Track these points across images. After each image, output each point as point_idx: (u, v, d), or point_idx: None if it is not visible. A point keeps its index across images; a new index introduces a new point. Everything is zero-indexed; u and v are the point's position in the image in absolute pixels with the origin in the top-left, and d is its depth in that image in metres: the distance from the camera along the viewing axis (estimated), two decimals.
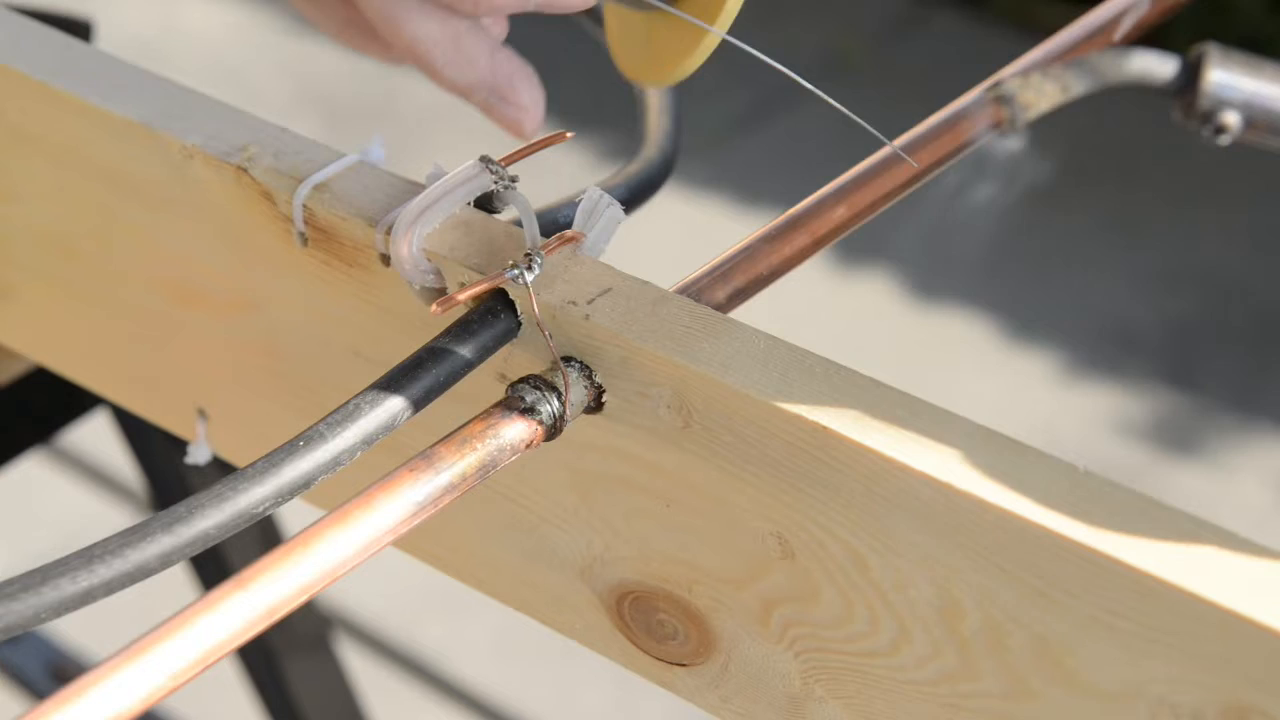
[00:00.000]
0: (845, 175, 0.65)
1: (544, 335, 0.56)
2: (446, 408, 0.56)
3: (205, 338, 0.70)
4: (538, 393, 0.55)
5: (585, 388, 0.56)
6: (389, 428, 0.54)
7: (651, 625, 0.61)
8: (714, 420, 0.54)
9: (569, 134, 0.63)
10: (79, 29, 0.87)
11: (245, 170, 0.62)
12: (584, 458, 0.59)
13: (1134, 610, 0.48)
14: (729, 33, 0.62)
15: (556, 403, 0.55)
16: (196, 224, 0.66)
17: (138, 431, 1.04)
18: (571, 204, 0.63)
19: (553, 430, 0.55)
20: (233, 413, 0.72)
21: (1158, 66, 0.54)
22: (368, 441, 0.53)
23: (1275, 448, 2.26)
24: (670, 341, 0.55)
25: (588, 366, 0.56)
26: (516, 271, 0.56)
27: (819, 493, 0.53)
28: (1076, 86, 0.56)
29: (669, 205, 2.53)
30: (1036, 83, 0.55)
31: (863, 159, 0.66)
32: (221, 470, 0.84)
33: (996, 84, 0.57)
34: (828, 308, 2.47)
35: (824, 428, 0.52)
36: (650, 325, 0.55)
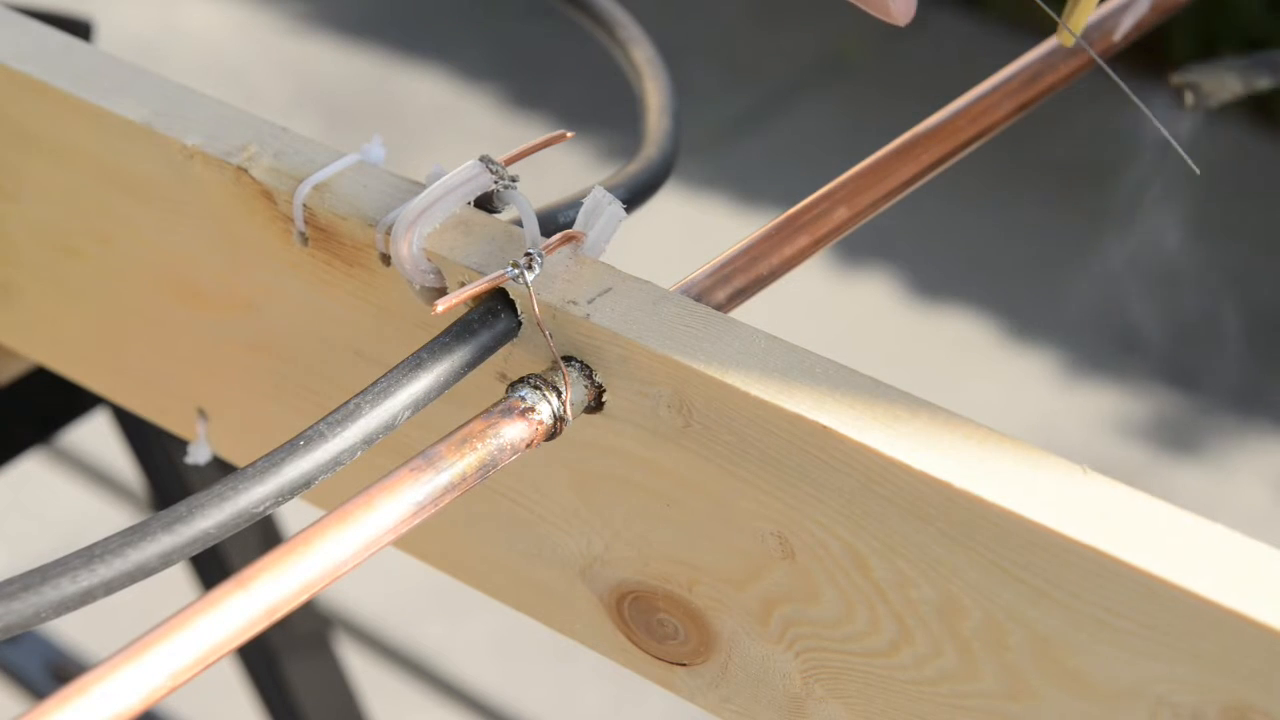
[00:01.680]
0: (845, 175, 0.65)
1: (544, 335, 0.56)
2: (446, 408, 0.56)
3: (205, 337, 0.70)
4: (538, 392, 0.55)
5: (585, 387, 0.56)
6: (389, 428, 0.54)
7: (651, 625, 0.61)
8: (714, 420, 0.55)
9: (569, 134, 0.63)
10: (79, 29, 0.87)
11: (245, 170, 0.62)
12: (584, 457, 0.59)
13: (1134, 610, 0.48)
14: None
15: (556, 402, 0.55)
16: (197, 224, 0.66)
17: (138, 431, 1.04)
18: (572, 204, 0.63)
19: (553, 430, 0.55)
20: (233, 413, 0.72)
21: None
22: (368, 441, 0.53)
23: (1275, 448, 2.26)
24: (670, 341, 0.55)
25: (588, 366, 0.56)
26: (517, 271, 0.56)
27: (819, 492, 0.53)
28: (1260, 82, 0.58)
29: (669, 205, 2.53)
30: (1220, 75, 0.57)
31: (863, 159, 0.66)
32: (221, 470, 0.84)
33: (1184, 68, 0.59)
34: (828, 308, 2.47)
35: (824, 427, 0.52)
36: (650, 325, 0.55)
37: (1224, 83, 0.57)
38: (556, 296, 0.56)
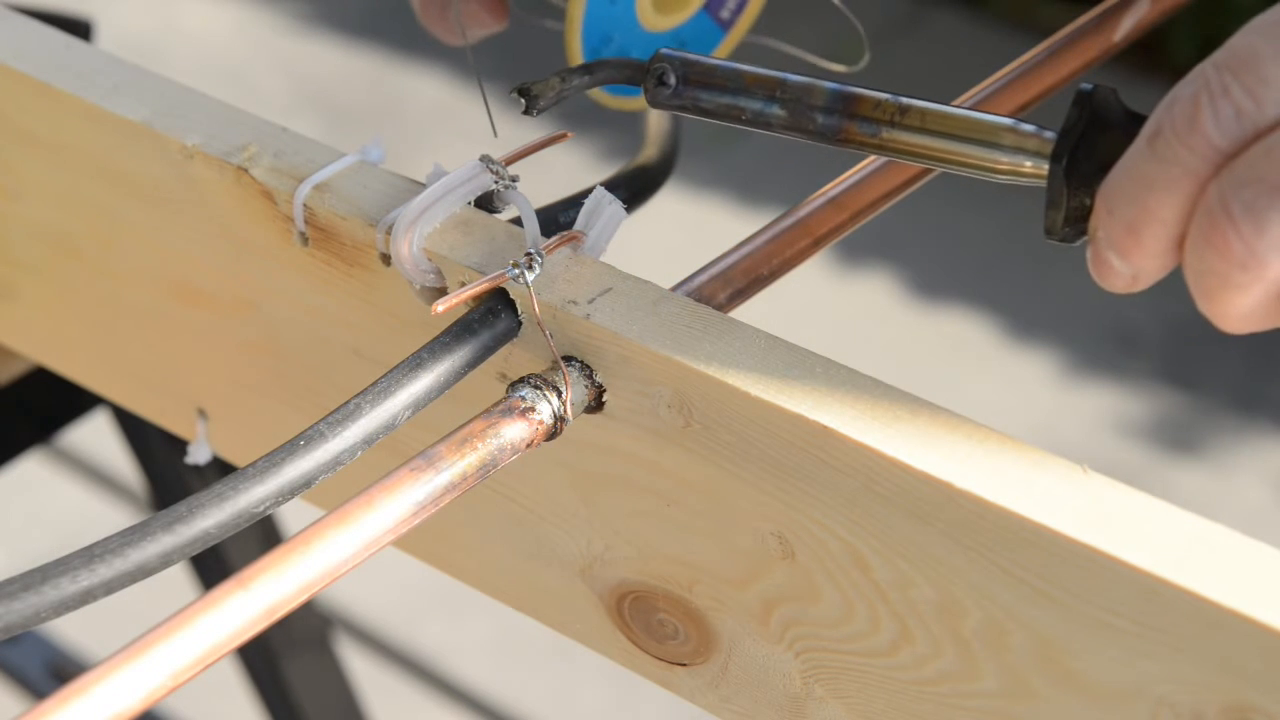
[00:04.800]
0: (846, 175, 0.65)
1: (544, 335, 0.56)
2: (446, 408, 0.56)
3: (205, 337, 0.70)
4: (538, 392, 0.55)
5: (585, 387, 0.56)
6: (389, 427, 0.54)
7: (652, 625, 0.61)
8: (714, 419, 0.54)
9: (569, 134, 0.63)
10: (79, 29, 0.86)
11: (245, 170, 0.62)
12: (584, 457, 0.59)
13: (1134, 610, 0.48)
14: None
15: (557, 402, 0.55)
16: (197, 224, 0.66)
17: (138, 431, 1.04)
18: (572, 203, 0.63)
19: (553, 430, 0.55)
20: (233, 413, 0.72)
21: None
22: (368, 441, 0.53)
23: (1275, 448, 2.26)
24: (670, 341, 0.55)
25: (588, 366, 0.56)
26: (517, 271, 0.56)
27: (819, 492, 0.53)
28: (575, 82, 0.63)
29: (669, 205, 2.53)
30: (548, 80, 0.62)
31: (863, 158, 0.66)
32: (221, 470, 0.84)
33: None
34: (828, 308, 2.47)
35: (824, 427, 0.52)
36: (650, 325, 0.55)
37: (550, 85, 0.61)
38: (556, 296, 0.56)
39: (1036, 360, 2.39)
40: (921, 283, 2.51)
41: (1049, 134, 0.54)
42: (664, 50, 0.60)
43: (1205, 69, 0.49)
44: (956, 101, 0.69)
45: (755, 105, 0.59)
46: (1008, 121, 0.55)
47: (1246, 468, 2.23)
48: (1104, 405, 2.32)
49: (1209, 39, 2.69)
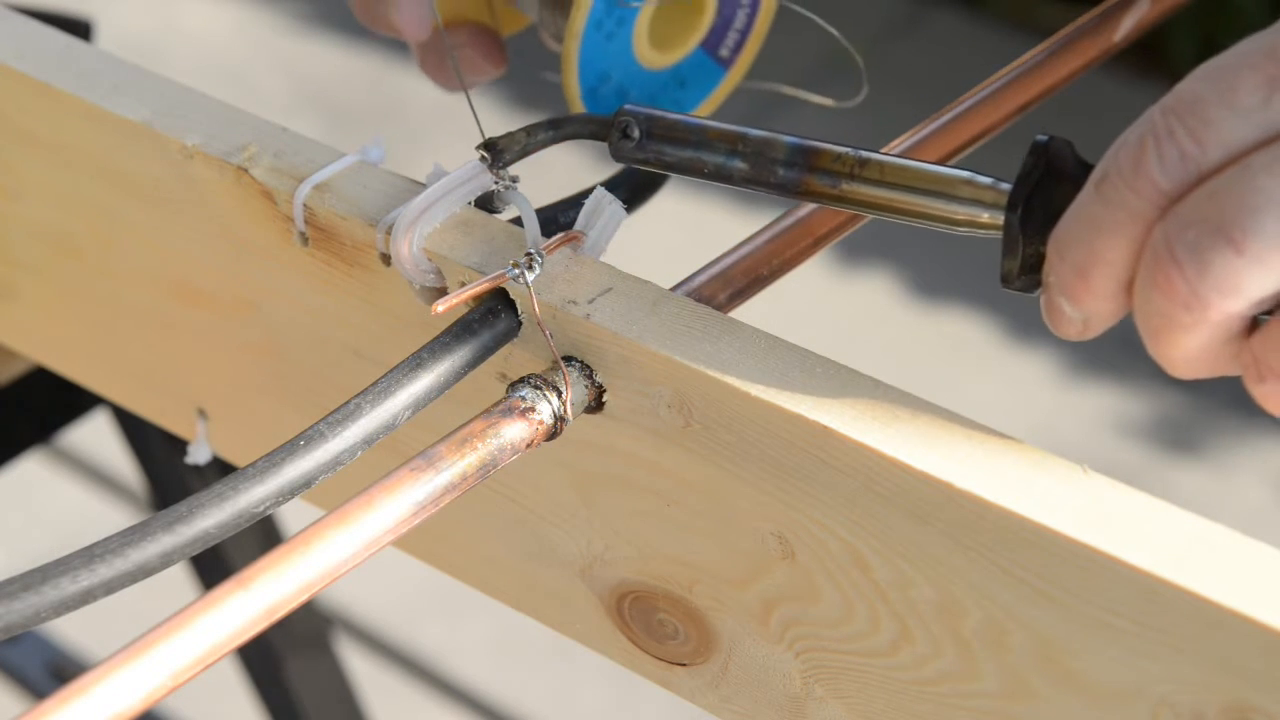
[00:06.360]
0: None
1: (544, 335, 0.56)
2: (446, 408, 0.56)
3: (206, 337, 0.70)
4: (538, 392, 0.55)
5: (586, 387, 0.56)
6: (389, 427, 0.54)
7: (652, 625, 0.61)
8: (714, 420, 0.55)
9: None
10: (79, 29, 0.86)
11: (245, 170, 0.62)
12: (584, 457, 0.59)
13: (1135, 610, 0.48)
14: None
15: (557, 402, 0.55)
16: (197, 224, 0.66)
17: (138, 431, 1.04)
18: (572, 203, 0.63)
19: (553, 430, 0.55)
20: (233, 413, 0.72)
21: None
22: (368, 441, 0.53)
23: (1275, 448, 2.26)
24: (670, 341, 0.55)
25: (588, 366, 0.56)
26: (517, 271, 0.56)
27: (819, 492, 0.53)
28: (541, 136, 0.62)
29: (669, 205, 2.53)
30: (512, 135, 0.61)
31: None
32: (221, 470, 0.84)
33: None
34: (828, 308, 2.47)
35: (824, 427, 0.52)
36: (650, 325, 0.55)
37: (515, 140, 0.61)
38: (557, 296, 0.56)
39: (1036, 360, 2.39)
40: (921, 283, 2.51)
41: (1004, 185, 0.55)
42: (628, 106, 0.61)
43: (1152, 113, 0.49)
44: (956, 102, 0.69)
45: (717, 159, 0.60)
46: (964, 174, 0.56)
47: (1246, 468, 2.23)
48: (1104, 405, 2.32)
49: (1209, 39, 2.69)
